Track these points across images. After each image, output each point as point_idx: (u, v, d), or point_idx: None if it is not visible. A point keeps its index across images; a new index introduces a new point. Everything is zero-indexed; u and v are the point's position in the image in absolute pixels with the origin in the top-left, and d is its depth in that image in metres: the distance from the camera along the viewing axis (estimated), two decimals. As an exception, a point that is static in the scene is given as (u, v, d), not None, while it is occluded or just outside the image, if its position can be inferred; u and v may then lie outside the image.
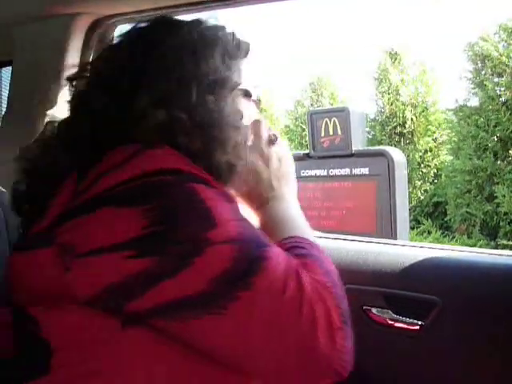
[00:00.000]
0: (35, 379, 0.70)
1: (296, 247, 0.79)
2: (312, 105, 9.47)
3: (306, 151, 4.35)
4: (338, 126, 4.11)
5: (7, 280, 0.77)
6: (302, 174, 4.26)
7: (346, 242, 1.21)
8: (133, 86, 0.80)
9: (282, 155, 0.94)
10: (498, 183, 7.00)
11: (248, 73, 0.92)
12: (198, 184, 0.71)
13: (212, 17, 0.92)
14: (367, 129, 8.29)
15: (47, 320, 0.71)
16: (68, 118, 0.86)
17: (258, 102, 0.96)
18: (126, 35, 0.90)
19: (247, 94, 0.91)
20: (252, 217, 0.90)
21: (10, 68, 1.43)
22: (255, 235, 0.73)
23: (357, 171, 4.01)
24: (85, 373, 0.69)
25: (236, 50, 0.90)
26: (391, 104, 8.30)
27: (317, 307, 0.69)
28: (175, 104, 0.79)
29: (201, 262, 0.67)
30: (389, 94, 8.34)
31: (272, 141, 0.92)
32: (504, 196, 6.82)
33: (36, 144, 0.87)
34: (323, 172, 4.17)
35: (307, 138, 4.49)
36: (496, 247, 6.59)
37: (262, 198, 0.89)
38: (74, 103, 0.87)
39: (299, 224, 0.89)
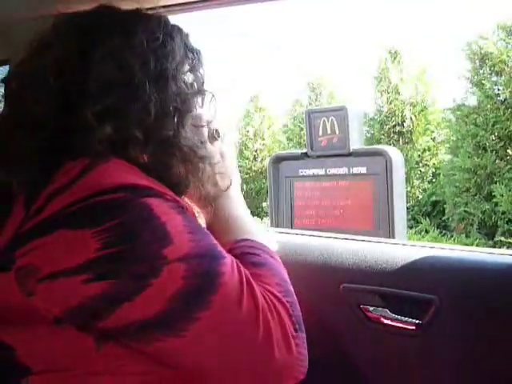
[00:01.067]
0: None
1: (249, 254, 0.81)
2: (310, 104, 9.46)
3: (304, 150, 4.36)
4: (336, 125, 4.12)
5: None
6: (300, 173, 4.27)
7: (344, 241, 1.21)
8: (73, 94, 0.75)
9: (225, 151, 0.92)
10: (496, 182, 7.00)
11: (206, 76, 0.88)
12: (151, 198, 0.70)
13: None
14: (366, 128, 8.28)
15: (23, 346, 0.69)
16: (4, 127, 0.79)
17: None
18: (64, 25, 0.83)
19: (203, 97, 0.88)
20: (201, 216, 0.90)
21: (6, 67, 1.43)
22: (209, 247, 0.73)
23: (355, 170, 4.02)
24: None
25: (195, 53, 0.87)
26: (390, 103, 8.30)
27: (271, 320, 0.71)
28: (126, 118, 0.75)
29: (157, 283, 0.66)
30: (388, 92, 8.34)
31: (214, 136, 0.89)
32: (502, 195, 6.82)
33: None
34: (321, 171, 4.18)
35: (305, 137, 4.48)
36: (494, 246, 6.60)
37: (206, 196, 0.87)
38: (7, 108, 0.80)
39: (248, 224, 0.89)
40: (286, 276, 0.82)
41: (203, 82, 0.88)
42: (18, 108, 0.79)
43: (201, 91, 0.86)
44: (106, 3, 0.86)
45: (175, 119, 0.79)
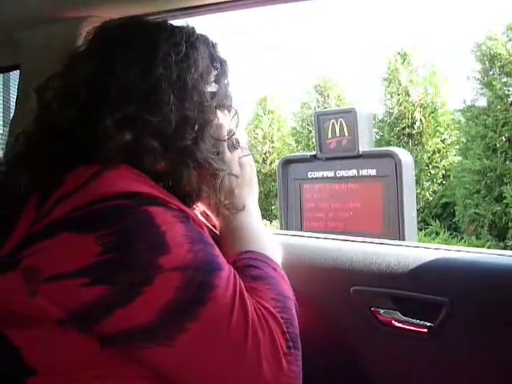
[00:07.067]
0: None
1: (250, 266, 0.80)
2: (318, 107, 9.45)
3: (313, 153, 4.36)
4: (345, 127, 4.11)
5: None
6: (309, 176, 4.27)
7: (354, 244, 1.21)
8: (98, 103, 0.78)
9: (244, 161, 0.93)
10: (507, 183, 6.96)
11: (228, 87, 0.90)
12: (154, 207, 0.71)
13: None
14: (375, 129, 8.27)
15: (29, 346, 0.70)
16: (31, 133, 0.84)
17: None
18: (93, 40, 0.87)
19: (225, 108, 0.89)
20: (214, 222, 0.91)
21: (18, 72, 1.44)
22: (208, 258, 0.73)
23: (364, 172, 4.01)
24: None
25: (220, 64, 0.89)
26: (400, 105, 8.27)
27: (261, 335, 0.71)
28: (146, 127, 0.77)
29: (151, 291, 0.67)
30: (398, 94, 8.31)
31: (234, 146, 0.90)
32: (513, 196, 6.79)
33: (5, 159, 0.86)
34: (330, 173, 4.17)
35: (314, 140, 4.48)
36: (505, 248, 6.55)
37: (222, 205, 0.88)
38: (39, 117, 0.84)
39: (258, 235, 0.89)
40: (286, 291, 0.81)
41: (227, 92, 0.89)
42: (47, 117, 0.82)
43: (223, 102, 0.87)
44: (133, 15, 0.90)
45: (195, 129, 0.80)
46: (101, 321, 0.67)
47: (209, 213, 0.92)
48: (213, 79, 0.86)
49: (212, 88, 0.86)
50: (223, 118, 0.88)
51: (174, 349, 0.68)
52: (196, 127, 0.81)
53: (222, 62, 0.90)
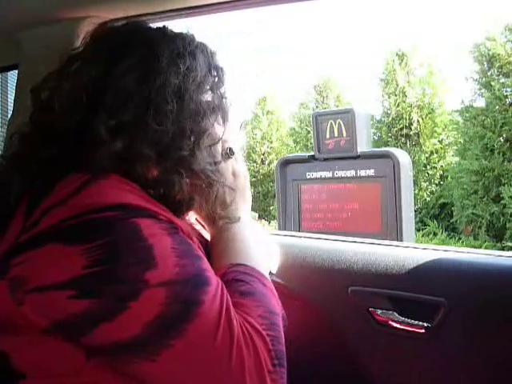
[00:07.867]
0: None
1: (239, 281, 0.79)
2: (317, 107, 9.46)
3: (312, 153, 4.36)
4: (343, 127, 4.12)
5: None
6: (308, 176, 4.27)
7: (352, 244, 1.21)
8: (94, 109, 0.77)
9: (237, 170, 0.91)
10: (504, 184, 6.97)
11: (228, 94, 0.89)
12: (142, 219, 0.70)
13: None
14: (373, 130, 8.27)
15: (17, 353, 0.70)
16: (26, 134, 0.83)
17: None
18: (93, 43, 0.86)
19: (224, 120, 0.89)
20: (205, 233, 0.90)
21: (16, 72, 1.44)
22: (195, 273, 0.72)
23: (362, 173, 4.02)
24: None
25: (217, 72, 0.88)
26: (398, 105, 8.29)
27: (246, 353, 0.70)
28: (141, 135, 0.76)
29: (136, 306, 0.67)
30: (395, 95, 8.33)
31: (227, 154, 0.89)
32: (511, 197, 6.79)
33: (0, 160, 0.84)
34: (329, 174, 4.18)
35: (312, 140, 4.49)
36: (502, 249, 6.56)
37: (214, 215, 0.87)
38: (33, 118, 0.83)
39: (249, 247, 0.88)
40: (274, 307, 0.80)
41: (223, 102, 0.88)
42: (43, 118, 0.81)
43: (219, 111, 0.86)
44: (134, 20, 0.90)
45: (191, 140, 0.80)
46: (86, 333, 0.67)
47: (201, 222, 0.91)
48: (210, 88, 0.86)
49: (208, 97, 0.85)
50: (218, 128, 0.87)
51: (158, 364, 0.68)
52: (192, 138, 0.80)
53: (220, 71, 0.89)
